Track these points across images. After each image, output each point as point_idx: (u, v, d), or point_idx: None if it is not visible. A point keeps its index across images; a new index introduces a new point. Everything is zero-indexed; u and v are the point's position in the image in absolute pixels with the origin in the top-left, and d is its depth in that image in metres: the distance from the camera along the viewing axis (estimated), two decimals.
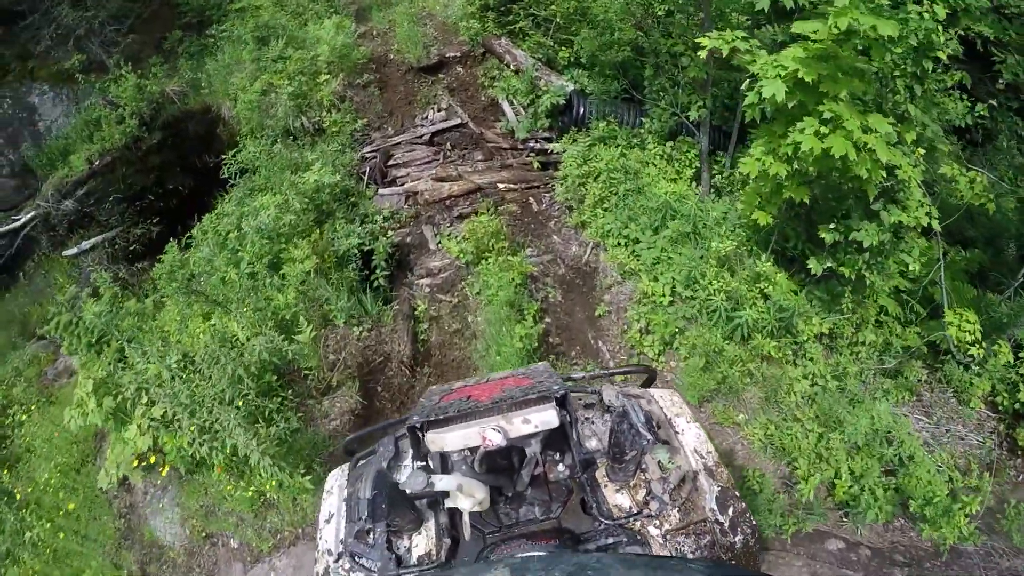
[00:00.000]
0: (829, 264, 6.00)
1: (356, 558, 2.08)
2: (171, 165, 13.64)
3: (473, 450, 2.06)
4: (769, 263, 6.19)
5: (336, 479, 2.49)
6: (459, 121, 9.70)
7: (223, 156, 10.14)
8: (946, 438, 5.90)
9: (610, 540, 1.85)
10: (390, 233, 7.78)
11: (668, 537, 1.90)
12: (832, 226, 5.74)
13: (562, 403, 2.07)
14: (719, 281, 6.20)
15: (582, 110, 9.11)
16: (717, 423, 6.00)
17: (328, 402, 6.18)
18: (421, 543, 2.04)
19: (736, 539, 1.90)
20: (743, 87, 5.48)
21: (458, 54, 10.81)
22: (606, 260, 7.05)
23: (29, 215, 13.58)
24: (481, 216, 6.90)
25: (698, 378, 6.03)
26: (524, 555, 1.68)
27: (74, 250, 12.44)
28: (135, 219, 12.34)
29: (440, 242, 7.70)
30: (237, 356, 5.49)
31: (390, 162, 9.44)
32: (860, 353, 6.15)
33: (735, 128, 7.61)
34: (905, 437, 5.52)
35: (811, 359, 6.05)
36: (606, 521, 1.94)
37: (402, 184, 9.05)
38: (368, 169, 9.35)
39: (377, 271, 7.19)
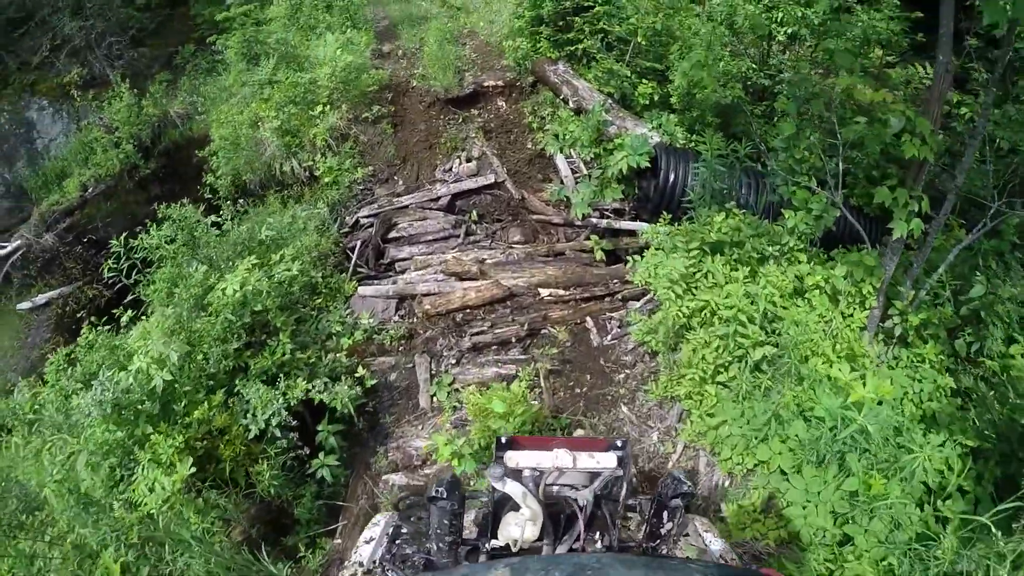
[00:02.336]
0: None
1: (387, 573, 2.11)
2: (173, 198, 11.14)
3: (541, 473, 2.12)
4: None
5: (384, 517, 2.52)
6: (493, 180, 6.71)
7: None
8: None
9: None
10: (361, 370, 4.83)
11: None
12: None
13: (622, 458, 2.15)
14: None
15: (672, 177, 5.97)
16: None
17: None
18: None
19: None
20: None
21: (500, 83, 7.86)
22: (719, 488, 3.86)
23: (16, 244, 11.43)
24: (493, 397, 3.74)
25: None
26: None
27: (28, 304, 10.17)
28: (96, 273, 9.89)
29: (435, 394, 4.71)
30: None
31: (391, 233, 6.54)
32: None
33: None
34: None
35: None
36: None
37: (402, 271, 6.12)
38: (359, 243, 6.47)
39: (323, 454, 4.24)
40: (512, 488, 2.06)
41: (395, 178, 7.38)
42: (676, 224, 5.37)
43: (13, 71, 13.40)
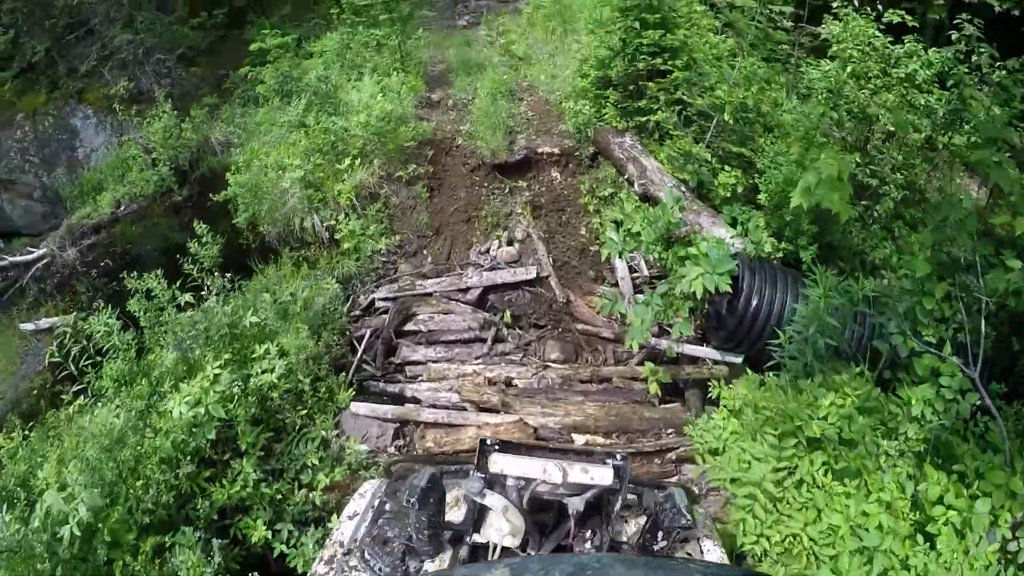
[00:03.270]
0: None
1: (367, 559, 1.97)
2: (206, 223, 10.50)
3: (527, 483, 1.99)
4: None
5: (372, 486, 2.41)
6: (535, 274, 5.58)
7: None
8: None
9: None
10: (335, 519, 3.71)
11: None
12: None
13: (619, 471, 2.01)
14: None
15: (756, 301, 4.73)
16: None
17: None
18: (432, 570, 1.96)
19: None
20: None
21: (555, 150, 6.77)
22: None
23: (41, 252, 10.91)
24: None
25: None
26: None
27: (31, 326, 9.51)
28: (102, 304, 9.17)
29: None
30: None
31: (408, 325, 5.47)
32: None
33: None
34: None
35: None
36: None
37: (412, 378, 5.02)
38: (369, 333, 5.42)
39: None
40: (492, 501, 1.93)
41: (423, 252, 6.34)
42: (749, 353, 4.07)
43: (63, 76, 13.11)
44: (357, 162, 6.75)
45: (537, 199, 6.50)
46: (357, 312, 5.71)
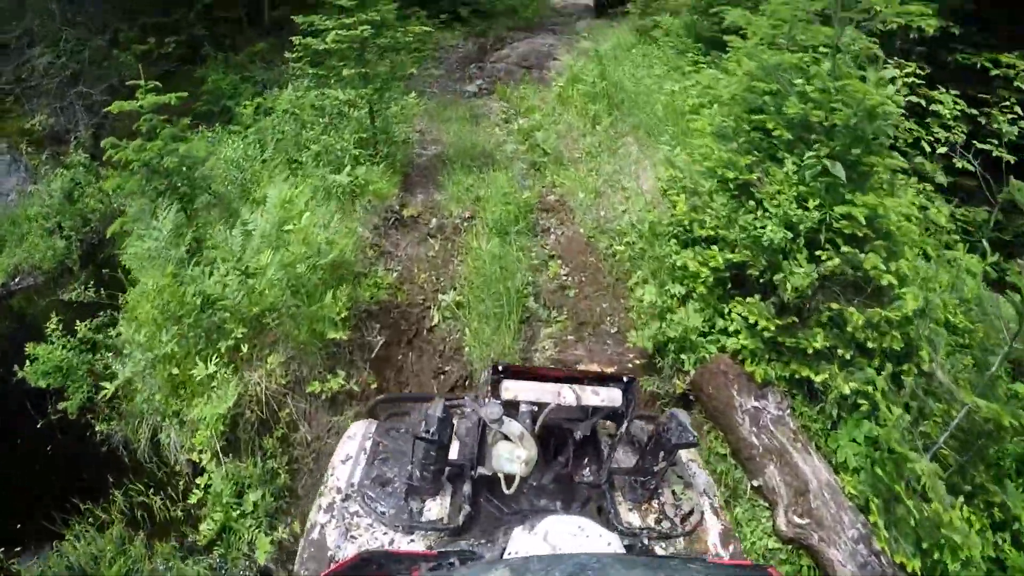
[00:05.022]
0: None
1: (368, 501, 1.89)
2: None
3: (540, 407, 1.89)
4: None
5: (361, 427, 2.23)
6: None
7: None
8: None
9: (625, 542, 1.66)
10: None
11: None
12: None
13: (628, 391, 1.92)
14: None
15: None
16: None
17: None
18: (435, 508, 1.88)
19: None
20: None
21: (610, 370, 3.63)
22: None
23: None
24: None
25: None
26: (525, 554, 1.50)
27: None
28: None
29: None
30: None
31: None
32: None
33: None
34: None
35: None
36: (620, 527, 1.84)
37: None
38: None
39: None
40: (510, 428, 1.82)
41: None
42: None
43: None
44: (244, 353, 3.59)
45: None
46: None
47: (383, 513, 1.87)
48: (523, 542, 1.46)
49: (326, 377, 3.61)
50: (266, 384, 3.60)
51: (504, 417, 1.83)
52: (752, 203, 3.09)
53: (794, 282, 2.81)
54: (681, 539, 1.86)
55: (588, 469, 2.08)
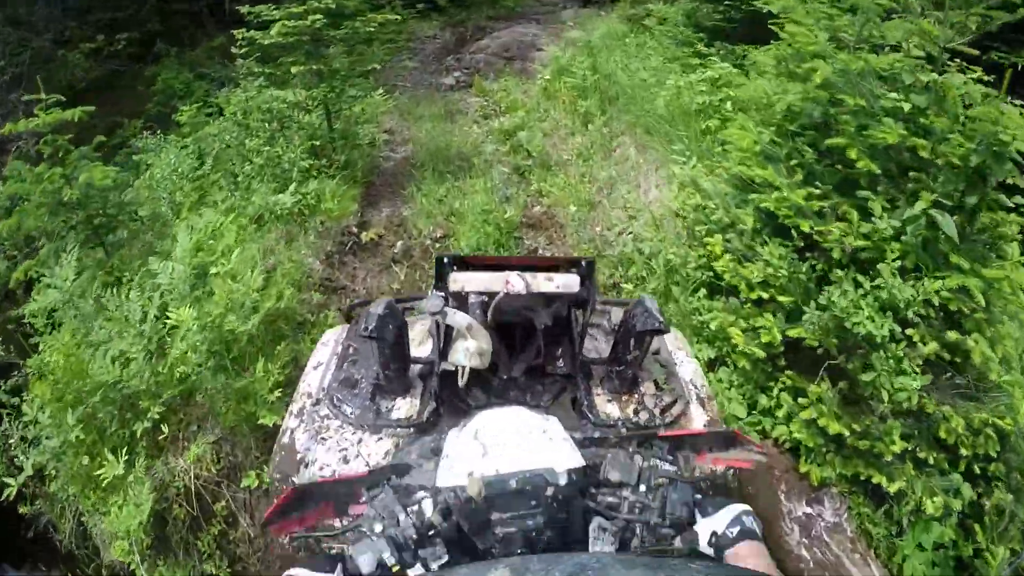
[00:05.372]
0: None
1: (336, 403, 1.85)
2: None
3: (490, 297, 1.77)
4: None
5: (334, 334, 2.20)
6: None
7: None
8: None
9: (596, 435, 1.70)
10: None
11: None
12: None
13: (585, 275, 1.77)
14: None
15: None
16: None
17: None
18: (403, 407, 1.83)
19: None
20: None
21: None
22: None
23: None
24: None
25: None
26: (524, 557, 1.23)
27: None
28: None
29: None
30: None
31: None
32: None
33: None
34: None
35: None
36: (594, 421, 1.76)
37: None
38: None
39: None
40: (455, 320, 1.72)
41: None
42: None
43: None
44: (164, 432, 2.85)
45: None
46: None
47: (350, 414, 1.83)
48: (456, 443, 1.37)
49: (264, 465, 2.89)
50: (195, 472, 2.87)
51: (447, 309, 1.72)
52: (822, 262, 2.34)
53: (894, 392, 2.08)
54: (661, 430, 1.76)
55: (562, 360, 1.99)
